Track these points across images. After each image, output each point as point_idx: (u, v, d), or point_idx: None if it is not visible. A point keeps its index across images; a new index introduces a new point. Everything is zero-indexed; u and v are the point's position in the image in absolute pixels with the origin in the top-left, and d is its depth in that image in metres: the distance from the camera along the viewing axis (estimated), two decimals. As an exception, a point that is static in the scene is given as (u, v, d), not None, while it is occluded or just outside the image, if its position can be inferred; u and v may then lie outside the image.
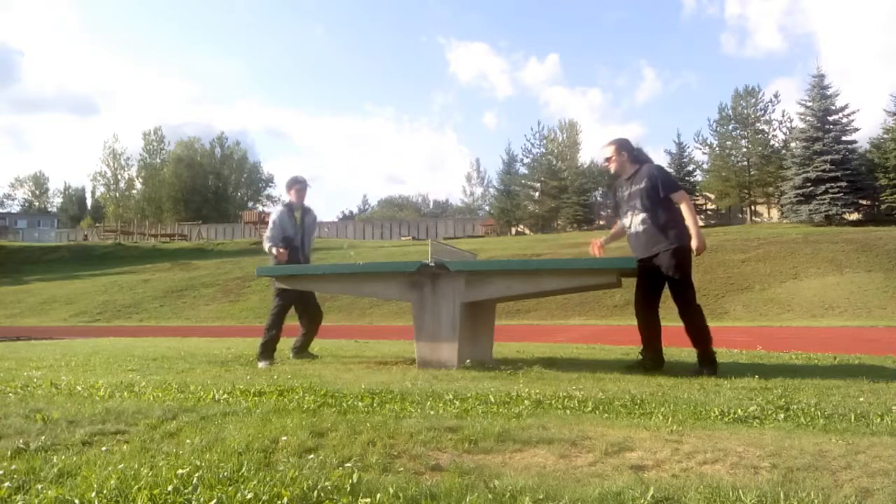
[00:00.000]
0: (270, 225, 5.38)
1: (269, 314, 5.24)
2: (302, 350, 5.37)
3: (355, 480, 1.71)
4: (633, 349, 6.36)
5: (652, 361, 4.23)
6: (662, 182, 4.16)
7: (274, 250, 5.24)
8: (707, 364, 4.04)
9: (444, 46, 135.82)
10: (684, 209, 4.15)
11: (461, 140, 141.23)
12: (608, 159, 4.44)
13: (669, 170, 4.63)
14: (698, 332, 4.07)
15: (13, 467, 1.83)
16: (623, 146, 4.40)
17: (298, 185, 5.50)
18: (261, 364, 4.82)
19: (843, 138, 32.96)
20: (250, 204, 70.26)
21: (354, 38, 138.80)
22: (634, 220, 4.24)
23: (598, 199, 47.41)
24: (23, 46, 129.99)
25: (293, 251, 5.29)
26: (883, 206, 32.61)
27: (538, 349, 6.22)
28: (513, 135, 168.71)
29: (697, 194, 41.21)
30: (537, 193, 49.30)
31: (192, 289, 24.15)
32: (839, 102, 33.43)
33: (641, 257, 4.18)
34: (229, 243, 39.84)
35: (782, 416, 2.56)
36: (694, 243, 4.07)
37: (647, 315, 4.26)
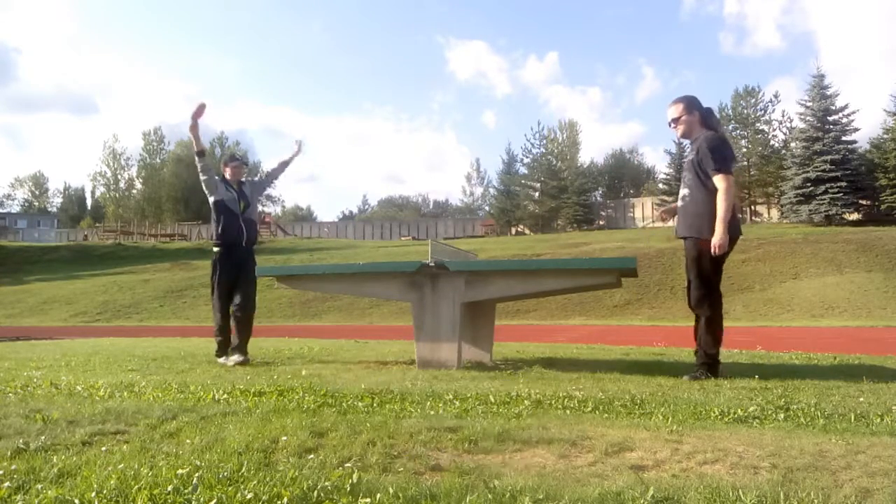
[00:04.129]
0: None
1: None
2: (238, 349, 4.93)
3: (355, 480, 1.71)
4: (632, 349, 6.36)
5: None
6: (711, 157, 3.66)
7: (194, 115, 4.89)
8: (701, 367, 3.77)
9: (442, 45, 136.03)
10: (719, 196, 3.64)
11: (461, 139, 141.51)
12: (675, 120, 3.91)
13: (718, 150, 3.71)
14: (702, 333, 3.79)
15: (13, 467, 1.83)
16: (693, 104, 3.88)
17: (234, 163, 5.21)
18: (220, 360, 4.91)
19: (843, 138, 32.98)
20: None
21: (352, 37, 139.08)
22: (681, 193, 3.91)
23: (598, 199, 47.35)
24: (20, 44, 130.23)
25: (232, 217, 5.01)
26: (883, 206, 32.62)
27: (538, 349, 6.22)
28: (512, 134, 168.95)
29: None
30: (537, 193, 49.36)
31: (192, 289, 24.15)
32: (839, 102, 33.49)
33: (678, 236, 3.93)
34: (229, 243, 39.79)
35: (782, 416, 2.56)
36: (714, 239, 3.62)
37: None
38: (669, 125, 4.00)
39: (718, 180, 3.66)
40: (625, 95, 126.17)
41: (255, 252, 5.23)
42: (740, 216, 3.83)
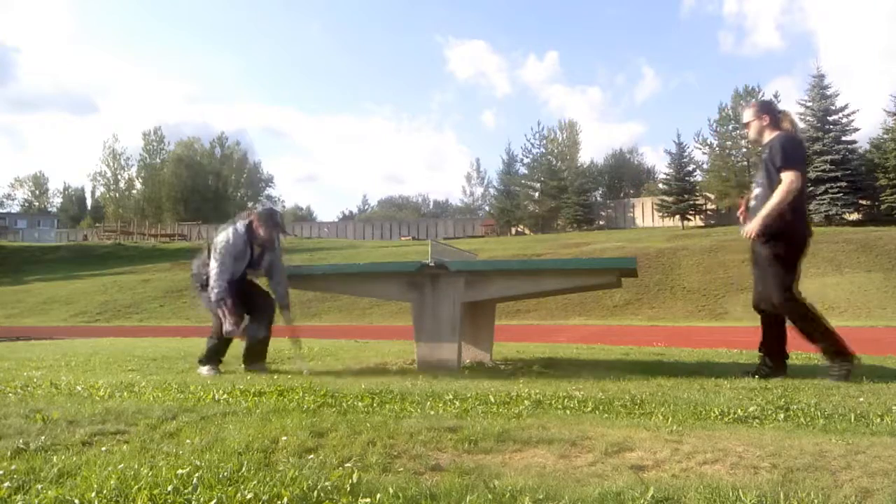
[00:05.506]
0: (219, 256, 4.14)
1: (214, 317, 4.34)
2: (255, 360, 4.45)
3: (355, 480, 1.71)
4: (632, 349, 6.36)
5: (767, 367, 3.83)
6: (781, 154, 3.66)
7: (226, 304, 4.07)
8: (835, 366, 3.62)
9: (441, 44, 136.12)
10: (778, 189, 3.63)
11: (460, 139, 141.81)
12: (746, 124, 3.99)
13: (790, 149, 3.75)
14: (808, 338, 3.69)
15: (13, 467, 1.83)
16: (764, 108, 3.93)
17: (276, 227, 4.30)
18: (203, 370, 4.26)
19: (843, 138, 32.99)
20: (250, 204, 70.42)
21: (352, 36, 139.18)
22: (753, 192, 3.90)
23: (598, 199, 47.36)
24: (20, 44, 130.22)
25: (234, 282, 4.17)
26: (883, 206, 32.62)
27: (538, 349, 6.22)
28: (512, 133, 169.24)
29: (697, 194, 41.25)
30: (537, 193, 49.35)
31: (191, 289, 24.16)
32: (839, 102, 33.51)
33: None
34: (229, 243, 39.80)
35: (782, 416, 2.56)
36: (748, 226, 3.71)
37: (766, 308, 3.85)
38: (743, 129, 4.05)
39: (784, 175, 3.64)
40: (625, 95, 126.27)
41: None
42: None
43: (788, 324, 3.81)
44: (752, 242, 3.84)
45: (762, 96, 41.73)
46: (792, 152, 3.72)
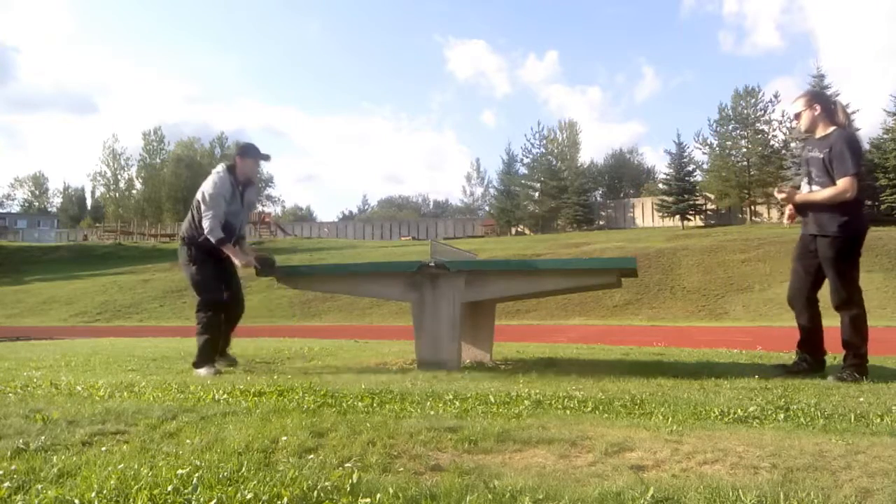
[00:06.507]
0: (210, 201, 4.16)
1: (197, 321, 4.29)
2: (223, 354, 4.52)
3: (355, 480, 1.71)
4: (632, 349, 6.36)
5: (807, 363, 3.85)
6: (851, 159, 3.54)
7: (227, 245, 4.19)
8: (852, 368, 3.63)
9: (441, 44, 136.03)
10: (833, 188, 3.57)
11: (460, 139, 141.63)
12: (797, 114, 3.85)
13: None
14: (849, 332, 3.68)
15: (13, 467, 1.83)
16: (817, 98, 3.82)
17: (258, 157, 4.39)
18: (201, 371, 4.13)
19: (843, 138, 32.94)
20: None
21: (351, 36, 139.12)
22: (804, 189, 3.81)
23: (598, 199, 47.36)
24: (19, 44, 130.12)
25: (227, 232, 4.26)
26: (883, 207, 32.62)
27: (538, 349, 6.22)
28: (512, 133, 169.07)
29: (697, 194, 41.25)
30: (537, 193, 49.39)
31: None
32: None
33: (804, 234, 3.82)
34: (229, 243, 39.81)
35: (782, 416, 2.56)
36: (787, 194, 3.78)
37: (802, 304, 3.85)
38: (792, 120, 4.04)
39: (843, 181, 3.55)
40: (625, 95, 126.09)
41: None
42: (844, 217, 3.77)
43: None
44: (808, 239, 3.78)
45: (762, 96, 41.74)
46: (859, 157, 3.61)
